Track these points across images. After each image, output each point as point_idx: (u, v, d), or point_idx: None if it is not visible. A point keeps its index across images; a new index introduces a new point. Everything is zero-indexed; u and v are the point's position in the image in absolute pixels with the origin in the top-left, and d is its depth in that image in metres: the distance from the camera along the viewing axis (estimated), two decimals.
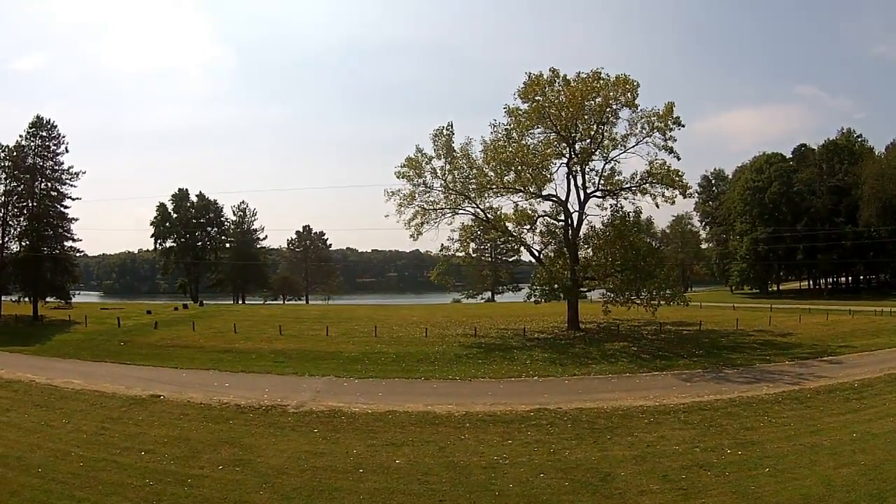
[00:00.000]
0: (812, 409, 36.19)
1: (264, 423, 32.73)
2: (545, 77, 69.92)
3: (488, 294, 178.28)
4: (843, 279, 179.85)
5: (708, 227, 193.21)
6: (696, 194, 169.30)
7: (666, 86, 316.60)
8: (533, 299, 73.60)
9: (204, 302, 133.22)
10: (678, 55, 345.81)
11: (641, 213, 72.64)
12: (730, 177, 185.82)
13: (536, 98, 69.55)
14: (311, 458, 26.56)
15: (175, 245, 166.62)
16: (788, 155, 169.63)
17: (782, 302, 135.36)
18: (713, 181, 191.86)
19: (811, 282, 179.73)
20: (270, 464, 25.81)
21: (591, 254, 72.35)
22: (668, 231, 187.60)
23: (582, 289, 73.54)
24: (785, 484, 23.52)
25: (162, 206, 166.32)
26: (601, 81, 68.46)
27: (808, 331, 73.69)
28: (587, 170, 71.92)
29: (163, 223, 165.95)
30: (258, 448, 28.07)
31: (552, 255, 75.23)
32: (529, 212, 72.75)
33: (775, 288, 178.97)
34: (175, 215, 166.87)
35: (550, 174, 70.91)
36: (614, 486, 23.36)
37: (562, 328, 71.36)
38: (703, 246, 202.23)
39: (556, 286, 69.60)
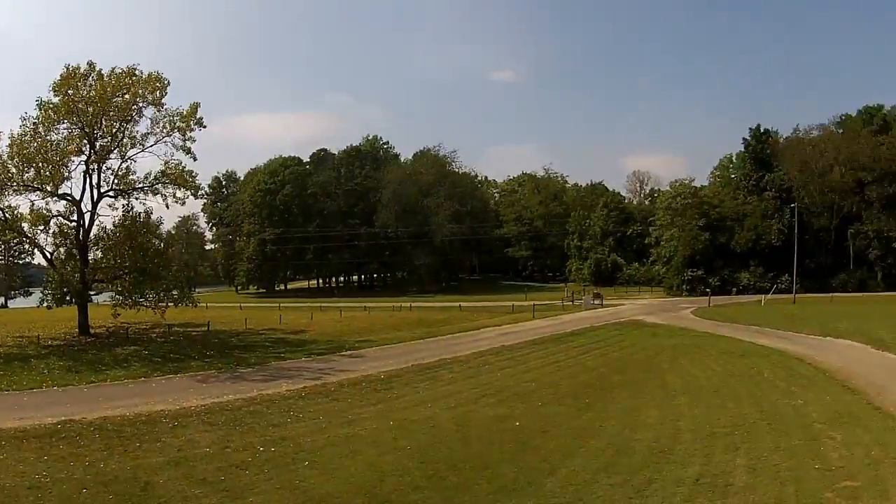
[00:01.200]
0: (340, 401, 36.51)
1: None
2: (82, 70, 65.58)
3: (1, 300, 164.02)
4: (356, 278, 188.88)
5: (215, 228, 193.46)
6: (206, 196, 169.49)
7: (196, 86, 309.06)
8: (45, 304, 69.02)
9: None
10: (209, 55, 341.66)
11: (152, 213, 70.84)
12: (242, 179, 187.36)
13: (69, 92, 64.71)
14: None
15: None
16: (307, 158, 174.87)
17: (291, 301, 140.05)
18: (224, 183, 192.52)
19: (321, 280, 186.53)
20: None
21: (100, 255, 68.79)
22: (173, 232, 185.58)
23: (91, 292, 69.37)
24: (330, 475, 23.26)
25: None
26: (134, 78, 65.81)
27: (321, 327, 76.24)
28: (104, 168, 68.44)
29: None
30: None
31: (63, 257, 70.24)
32: (45, 211, 67.65)
33: (283, 287, 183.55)
34: None
35: (69, 172, 66.40)
36: (157, 495, 21.69)
37: (74, 334, 66.83)
38: (209, 247, 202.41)
39: (66, 290, 65.84)
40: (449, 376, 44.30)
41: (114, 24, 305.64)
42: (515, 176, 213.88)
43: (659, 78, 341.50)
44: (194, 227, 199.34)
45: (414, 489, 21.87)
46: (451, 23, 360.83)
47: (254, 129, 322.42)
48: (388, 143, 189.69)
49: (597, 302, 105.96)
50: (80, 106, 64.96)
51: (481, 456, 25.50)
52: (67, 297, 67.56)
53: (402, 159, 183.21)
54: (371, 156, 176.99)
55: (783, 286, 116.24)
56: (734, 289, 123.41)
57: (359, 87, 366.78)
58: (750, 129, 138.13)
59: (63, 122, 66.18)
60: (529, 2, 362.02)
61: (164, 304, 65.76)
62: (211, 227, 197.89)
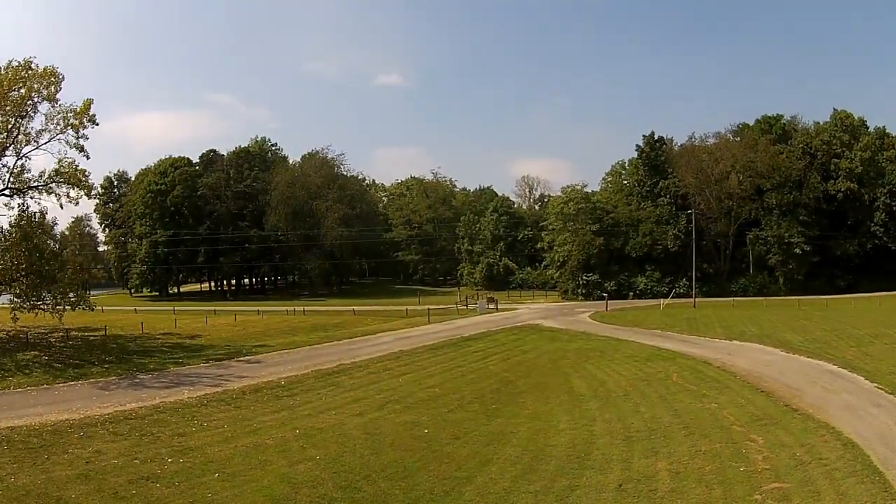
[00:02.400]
0: (243, 409, 36.19)
1: None
2: None
3: None
4: (248, 281, 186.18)
5: (108, 230, 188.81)
6: (98, 196, 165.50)
7: (83, 82, 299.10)
8: None
9: None
10: (90, 52, 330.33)
11: (47, 213, 68.64)
12: (133, 179, 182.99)
13: None
14: None
15: None
16: (197, 159, 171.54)
17: (185, 304, 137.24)
18: (116, 183, 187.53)
19: (213, 284, 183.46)
20: None
21: None
22: (67, 233, 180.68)
23: None
24: (242, 487, 23.06)
25: None
26: (30, 71, 63.30)
27: (217, 332, 74.83)
28: (0, 166, 66.10)
29: None
30: None
31: None
32: None
33: (176, 290, 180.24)
34: None
35: None
36: None
37: None
38: (102, 248, 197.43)
39: None
40: (351, 382, 44.15)
41: None
42: (404, 179, 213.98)
43: (545, 84, 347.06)
44: (87, 229, 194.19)
45: (329, 501, 21.88)
46: (339, 25, 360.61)
47: (140, 130, 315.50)
48: (276, 144, 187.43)
49: (491, 306, 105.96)
50: None
51: (394, 465, 25.55)
52: None
53: (291, 161, 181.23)
54: (260, 157, 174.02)
55: (681, 290, 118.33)
56: (631, 293, 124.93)
57: (245, 87, 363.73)
58: (643, 136, 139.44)
59: None
60: (418, 7, 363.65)
61: (62, 308, 63.44)
62: (103, 229, 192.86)
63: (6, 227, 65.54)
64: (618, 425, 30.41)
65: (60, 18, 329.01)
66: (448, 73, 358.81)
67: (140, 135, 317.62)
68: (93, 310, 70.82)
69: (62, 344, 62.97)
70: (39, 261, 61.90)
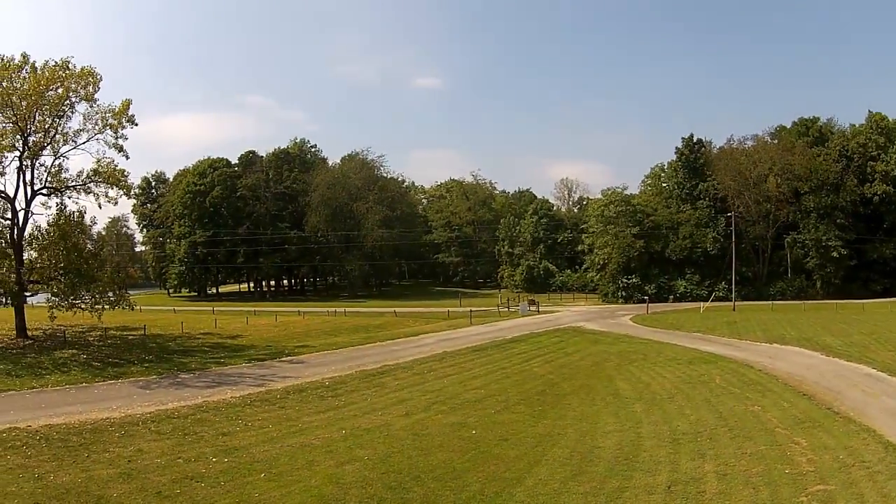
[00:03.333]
0: (287, 409, 35.86)
1: None
2: (16, 62, 63.01)
3: None
4: (287, 282, 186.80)
5: (145, 230, 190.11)
6: (136, 196, 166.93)
7: (119, 83, 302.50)
8: None
9: None
10: (136, 51, 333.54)
11: (85, 212, 68.88)
12: (171, 180, 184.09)
13: (2, 84, 62.02)
14: None
15: None
16: (235, 160, 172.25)
17: (224, 304, 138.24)
18: (153, 183, 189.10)
19: (252, 284, 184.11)
20: None
21: (35, 255, 66.46)
22: (104, 233, 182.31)
23: (27, 293, 67.01)
24: (289, 487, 22.70)
25: None
26: (68, 71, 63.43)
27: (258, 332, 74.87)
28: (37, 165, 65.93)
29: None
30: None
31: None
32: None
33: (215, 291, 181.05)
34: None
35: (3, 168, 64.13)
36: None
37: (11, 336, 64.53)
38: (139, 248, 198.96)
39: (1, 290, 63.23)
40: (395, 383, 43.78)
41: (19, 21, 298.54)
42: (443, 181, 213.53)
43: (582, 86, 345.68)
44: (124, 229, 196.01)
45: (379, 502, 21.53)
46: (375, 28, 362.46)
47: (175, 131, 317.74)
48: (315, 146, 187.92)
49: (533, 308, 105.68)
50: (14, 99, 62.44)
51: (443, 466, 25.20)
52: (3, 299, 65.58)
53: (330, 163, 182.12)
54: (299, 159, 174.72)
55: (721, 294, 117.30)
56: (671, 296, 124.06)
57: (281, 89, 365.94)
58: (682, 138, 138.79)
59: None
60: (454, 9, 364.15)
61: (101, 307, 63.35)
62: (141, 229, 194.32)
63: (44, 226, 65.74)
64: (664, 427, 30.16)
65: (100, 19, 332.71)
66: (485, 75, 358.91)
67: (174, 137, 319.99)
68: (133, 309, 70.93)
69: (100, 343, 63.16)
70: (78, 259, 62.07)
